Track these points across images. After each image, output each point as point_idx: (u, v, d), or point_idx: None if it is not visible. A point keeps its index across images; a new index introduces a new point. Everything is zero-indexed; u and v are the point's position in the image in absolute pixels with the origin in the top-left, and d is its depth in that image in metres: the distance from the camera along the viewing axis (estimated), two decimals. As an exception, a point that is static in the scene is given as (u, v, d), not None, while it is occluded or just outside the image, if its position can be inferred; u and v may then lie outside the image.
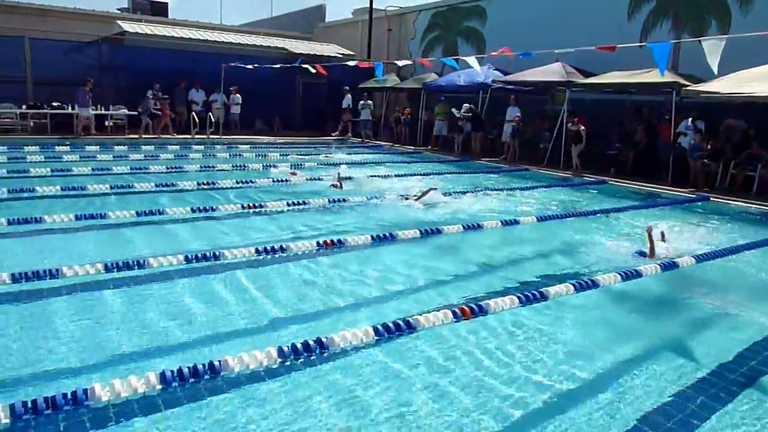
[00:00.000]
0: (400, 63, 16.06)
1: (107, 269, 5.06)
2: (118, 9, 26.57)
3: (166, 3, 27.80)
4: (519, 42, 15.59)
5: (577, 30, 15.38)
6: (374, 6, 23.04)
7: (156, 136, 17.55)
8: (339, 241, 6.37)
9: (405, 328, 4.05)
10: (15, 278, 4.71)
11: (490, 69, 16.82)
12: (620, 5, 15.36)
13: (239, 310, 4.66)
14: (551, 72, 14.90)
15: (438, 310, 4.30)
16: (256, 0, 41.16)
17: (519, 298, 4.61)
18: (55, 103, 17.41)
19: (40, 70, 18.42)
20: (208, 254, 5.60)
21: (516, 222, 7.93)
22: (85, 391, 3.05)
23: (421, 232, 6.98)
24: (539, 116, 16.47)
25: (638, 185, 12.29)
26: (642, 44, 11.14)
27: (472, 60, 12.02)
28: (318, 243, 6.23)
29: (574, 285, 5.01)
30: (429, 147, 18.57)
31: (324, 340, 3.75)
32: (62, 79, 18.52)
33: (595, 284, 5.14)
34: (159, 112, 17.96)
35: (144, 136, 17.35)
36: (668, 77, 11.80)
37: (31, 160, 11.92)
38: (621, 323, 4.93)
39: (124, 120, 18.26)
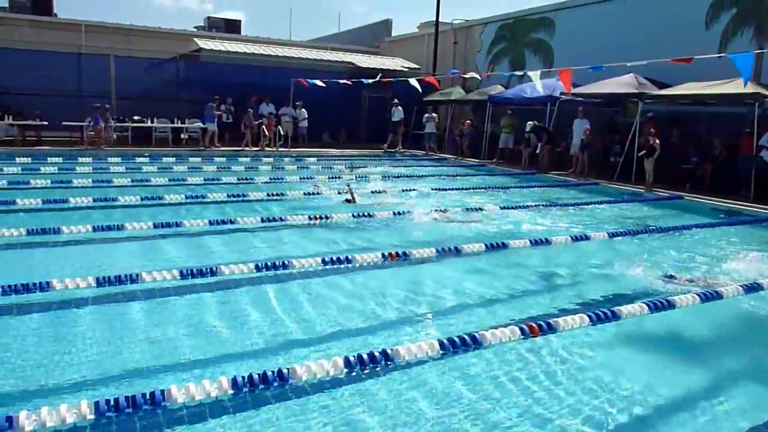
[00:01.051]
0: (466, 75, 15.92)
1: (182, 275, 5.29)
2: (195, 27, 27.92)
3: (239, 20, 29.00)
4: (589, 53, 15.25)
5: (650, 40, 14.87)
6: (440, 19, 23.12)
7: (243, 148, 18.18)
8: (404, 253, 6.38)
9: (471, 343, 4.00)
10: (99, 282, 4.99)
11: (557, 81, 16.47)
12: (697, 15, 14.72)
13: (306, 319, 4.74)
14: (623, 83, 14.44)
15: (505, 326, 4.23)
16: (324, 16, 42.14)
17: (589, 317, 4.47)
18: (136, 117, 18.40)
19: (123, 86, 19.54)
20: (277, 263, 5.75)
21: (586, 237, 7.70)
22: (162, 392, 3.19)
23: (486, 246, 6.90)
24: (610, 129, 15.98)
25: (717, 201, 11.67)
26: (721, 55, 10.65)
27: (534, 76, 11.80)
28: (383, 255, 6.28)
29: (648, 305, 4.80)
30: (494, 160, 18.36)
31: (389, 351, 3.76)
32: (143, 94, 19.60)
33: (670, 305, 4.91)
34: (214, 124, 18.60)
35: (247, 149, 18.15)
36: (750, 88, 11.21)
37: (114, 171, 12.64)
38: (702, 348, 4.69)
39: (198, 133, 19.05)
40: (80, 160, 13.91)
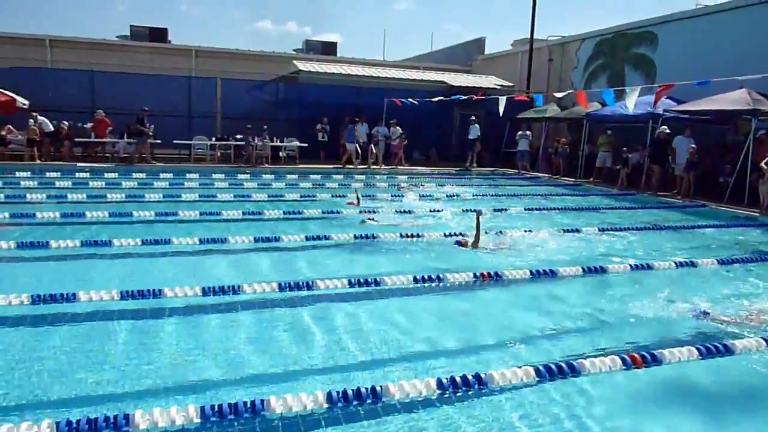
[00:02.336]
0: (558, 95, 15.38)
1: (281, 288, 5.50)
2: (294, 50, 29.18)
3: (336, 43, 29.96)
4: (695, 68, 14.43)
5: (764, 53, 13.83)
6: (535, 36, 22.73)
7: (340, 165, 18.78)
8: (496, 273, 6.28)
9: (568, 371, 3.85)
10: (205, 291, 5.28)
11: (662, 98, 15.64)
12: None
13: (397, 338, 4.77)
14: (734, 99, 13.49)
15: (605, 356, 4.04)
16: (417, 36, 42.71)
17: (699, 350, 4.17)
18: (238, 136, 19.43)
19: (227, 106, 20.75)
20: (369, 279, 5.83)
21: (692, 264, 7.22)
22: (262, 401, 3.31)
23: (583, 269, 6.65)
24: (719, 147, 14.95)
25: None
26: None
27: (632, 94, 11.23)
28: (474, 275, 6.20)
29: (766, 340, 4.42)
30: (591, 179, 17.69)
31: (483, 376, 3.70)
32: (245, 114, 20.70)
33: (793, 340, 4.48)
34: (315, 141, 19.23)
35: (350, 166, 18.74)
36: None
37: (218, 186, 13.41)
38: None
39: (295, 151, 19.81)
40: (188, 176, 14.88)
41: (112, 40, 25.77)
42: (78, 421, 3.04)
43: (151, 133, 17.64)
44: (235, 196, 11.61)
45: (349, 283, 5.74)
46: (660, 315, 5.55)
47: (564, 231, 9.12)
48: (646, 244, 8.74)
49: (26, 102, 17.15)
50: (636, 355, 4.00)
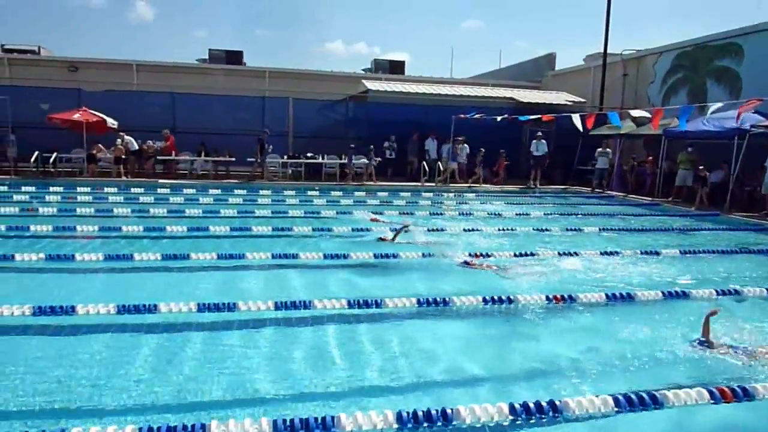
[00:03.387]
0: (634, 113, 14.76)
1: (350, 305, 5.55)
2: (362, 69, 29.70)
3: (403, 61, 30.24)
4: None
5: None
6: (609, 50, 22.09)
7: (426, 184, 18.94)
8: (570, 296, 6.08)
9: (650, 402, 3.66)
10: (277, 306, 5.41)
11: (750, 113, 14.80)
12: None
13: (465, 359, 4.69)
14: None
15: (690, 387, 3.81)
16: (485, 53, 42.51)
17: (795, 384, 3.86)
18: (309, 154, 19.90)
19: (299, 125, 21.34)
20: (438, 299, 5.79)
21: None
22: (333, 418, 3.33)
23: (663, 293, 6.33)
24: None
25: None
26: None
27: (715, 108, 10.65)
28: (548, 297, 6.04)
29: None
30: (670, 199, 16.89)
31: (558, 403, 3.57)
32: (315, 133, 21.21)
33: None
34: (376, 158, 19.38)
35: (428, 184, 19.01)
36: None
37: (289, 203, 13.75)
38: None
39: (362, 168, 20.06)
40: (261, 192, 15.34)
41: (192, 63, 27.17)
42: (159, 428, 3.17)
43: (269, 152, 18.44)
44: (305, 213, 11.85)
45: (418, 302, 5.71)
46: (751, 346, 5.17)
47: (642, 253, 8.74)
48: (732, 268, 8.22)
49: (115, 122, 18.33)
50: (726, 389, 3.75)
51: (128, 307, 5.16)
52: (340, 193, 15.78)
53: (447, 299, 5.82)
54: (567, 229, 10.86)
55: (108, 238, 8.96)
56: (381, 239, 9.24)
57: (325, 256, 7.76)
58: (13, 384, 3.92)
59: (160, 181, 17.12)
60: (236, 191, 15.15)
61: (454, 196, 17.14)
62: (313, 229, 9.87)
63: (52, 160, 17.33)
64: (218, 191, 15.14)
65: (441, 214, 12.97)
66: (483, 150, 20.05)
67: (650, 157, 18.93)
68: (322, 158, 20.04)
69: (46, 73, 23.14)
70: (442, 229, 10.32)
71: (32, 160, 17.11)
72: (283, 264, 7.47)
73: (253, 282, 6.81)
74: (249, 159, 19.20)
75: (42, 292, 6.04)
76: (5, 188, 14.58)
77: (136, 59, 25.17)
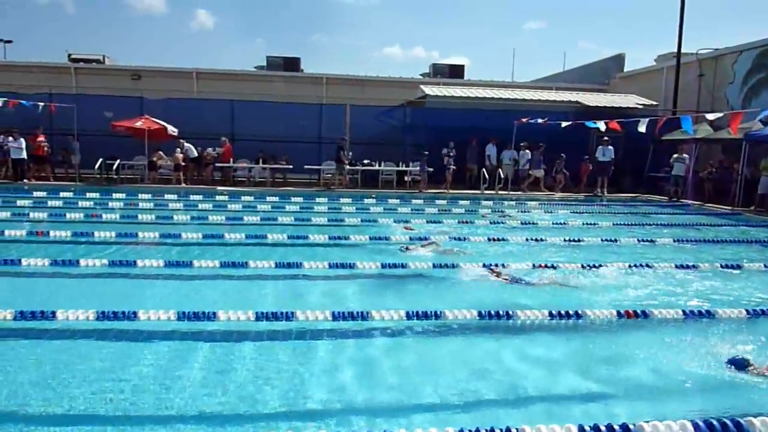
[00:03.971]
0: (710, 116, 14.12)
1: (408, 317, 5.51)
2: (421, 74, 29.76)
3: (463, 65, 30.15)
4: None
5: None
6: (682, 50, 21.25)
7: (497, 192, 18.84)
8: (643, 312, 5.84)
9: (733, 429, 3.44)
10: (335, 316, 5.44)
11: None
12: None
13: (533, 377, 4.57)
14: None
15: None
16: (548, 55, 41.82)
17: None
18: (365, 161, 20.06)
19: (356, 132, 21.54)
20: (500, 313, 5.67)
21: None
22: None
23: (748, 312, 5.98)
24: None
25: None
26: None
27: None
28: (618, 312, 5.82)
29: None
30: (752, 208, 16.03)
31: (632, 427, 3.40)
32: (372, 140, 21.38)
33: None
34: (451, 168, 19.31)
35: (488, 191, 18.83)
36: None
37: (346, 211, 13.88)
38: None
39: (420, 176, 20.04)
40: (317, 200, 15.57)
41: (250, 70, 27.98)
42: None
43: (347, 161, 18.86)
44: (362, 221, 11.91)
45: (479, 314, 5.62)
46: None
47: (722, 266, 8.32)
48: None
49: (175, 130, 19.07)
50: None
51: (188, 314, 5.31)
52: (397, 201, 15.80)
53: (510, 312, 5.70)
54: (639, 240, 10.47)
55: (168, 245, 9.28)
56: (406, 249, 9.13)
57: (383, 266, 7.75)
58: (77, 390, 4.09)
59: (219, 188, 17.66)
60: (293, 199, 15.41)
61: (516, 204, 16.86)
62: (371, 238, 9.90)
63: (115, 167, 18.18)
64: (276, 199, 15.45)
65: (501, 223, 12.77)
66: (564, 156, 19.66)
67: (733, 164, 18.04)
68: (379, 165, 20.16)
69: (110, 81, 24.37)
70: (502, 239, 10.14)
71: (96, 167, 18.02)
72: (340, 274, 7.51)
73: (309, 291, 6.88)
74: (306, 166, 19.56)
75: (105, 297, 6.29)
76: (70, 194, 15.36)
77: (196, 67, 26.15)
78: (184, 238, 9.62)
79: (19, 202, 13.73)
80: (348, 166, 19.26)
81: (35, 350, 4.80)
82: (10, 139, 17.81)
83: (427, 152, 19.56)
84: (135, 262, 7.49)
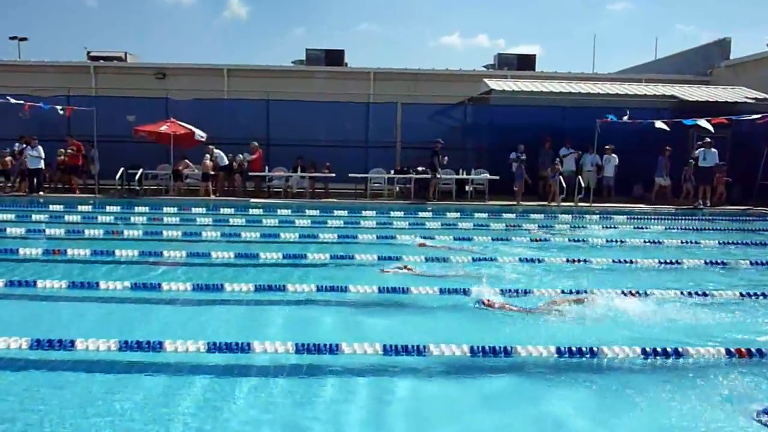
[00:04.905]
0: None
1: (472, 353, 5.47)
2: (484, 66, 29.67)
3: (534, 55, 29.92)
4: None
5: None
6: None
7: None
8: (758, 351, 5.63)
9: None
10: (386, 350, 5.45)
11: None
12: None
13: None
14: None
15: None
16: (637, 42, 41.04)
17: None
18: (419, 168, 20.11)
19: (408, 134, 21.66)
20: (584, 349, 5.58)
21: None
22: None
23: None
24: None
25: None
26: None
27: None
28: (728, 351, 5.63)
29: None
30: None
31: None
32: (428, 143, 21.39)
33: None
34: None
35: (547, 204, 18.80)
36: None
37: (397, 226, 13.94)
38: None
39: (483, 185, 19.95)
40: (363, 213, 15.70)
41: (288, 65, 28.54)
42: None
43: (441, 167, 19.11)
44: (415, 237, 11.94)
45: (558, 351, 5.53)
46: None
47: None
48: None
49: (204, 135, 19.62)
50: None
51: (219, 345, 5.42)
52: (457, 215, 15.77)
53: (594, 349, 5.59)
54: (752, 263, 10.10)
55: (197, 266, 9.54)
56: (383, 270, 9.10)
57: (441, 291, 7.73)
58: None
59: (252, 200, 18.04)
60: (336, 212, 15.61)
61: (599, 218, 16.55)
62: (426, 259, 9.90)
63: (137, 177, 18.81)
64: (316, 212, 15.70)
65: (582, 241, 12.52)
66: (692, 161, 19.27)
67: None
68: (427, 174, 20.15)
69: (132, 81, 25.29)
70: (584, 260, 9.96)
71: (117, 177, 18.69)
72: (393, 300, 7.52)
73: (357, 320, 6.91)
74: (351, 175, 19.75)
75: (128, 324, 6.50)
76: (89, 208, 16.01)
77: (227, 63, 26.86)
78: (214, 257, 9.87)
79: (34, 217, 14.41)
80: (441, 176, 19.28)
81: (53, 383, 4.98)
82: (28, 147, 18.73)
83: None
84: (160, 285, 7.72)
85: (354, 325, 6.78)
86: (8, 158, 19.39)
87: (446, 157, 19.48)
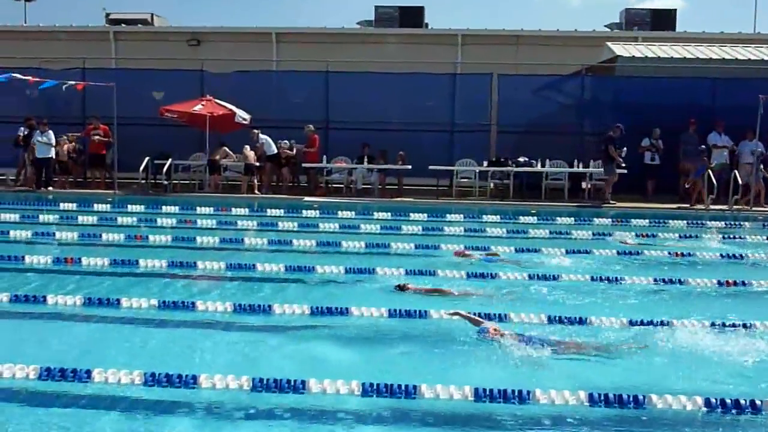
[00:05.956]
0: None
1: (592, 402, 5.39)
2: (606, 26, 29.10)
3: (674, 11, 29.10)
4: None
5: None
6: None
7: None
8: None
9: None
10: (478, 394, 5.43)
11: None
12: None
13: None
14: None
15: None
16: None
17: None
18: (521, 159, 19.88)
19: (506, 114, 21.40)
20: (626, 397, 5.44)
21: None
22: None
23: None
24: None
25: None
26: None
27: None
28: None
29: None
30: None
31: None
32: (529, 127, 21.12)
33: None
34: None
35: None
36: None
37: (491, 234, 13.84)
38: None
39: (603, 181, 19.54)
40: (448, 217, 15.67)
41: (353, 28, 28.70)
42: None
43: (621, 159, 19.04)
44: (515, 250, 11.82)
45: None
46: None
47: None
48: None
49: (247, 116, 19.92)
50: None
51: (268, 383, 5.49)
52: (570, 220, 15.53)
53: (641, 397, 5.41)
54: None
55: (238, 280, 9.73)
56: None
57: (550, 320, 7.64)
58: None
59: (306, 199, 18.29)
60: (413, 216, 15.65)
61: (764, 227, 15.98)
62: (529, 277, 9.81)
63: (165, 169, 19.27)
64: (388, 215, 15.79)
65: (739, 257, 12.11)
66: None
67: None
68: (542, 165, 19.91)
69: (160, 49, 25.89)
70: (741, 283, 9.66)
71: (141, 169, 19.18)
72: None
73: (445, 358, 6.83)
74: (432, 167, 19.64)
75: (154, 352, 6.68)
76: (107, 207, 16.54)
77: (275, 26, 27.21)
78: (259, 270, 10.05)
79: (42, 217, 15.00)
80: (620, 168, 19.08)
81: (64, 422, 5.15)
82: (37, 132, 19.49)
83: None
84: (194, 305, 7.92)
85: (444, 368, 6.73)
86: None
87: (624, 149, 19.04)
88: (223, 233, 13.45)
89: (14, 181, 20.56)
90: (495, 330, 7.02)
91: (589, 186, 19.98)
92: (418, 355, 6.80)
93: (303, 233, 13.59)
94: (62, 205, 16.60)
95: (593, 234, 13.99)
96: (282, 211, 16.04)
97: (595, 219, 15.85)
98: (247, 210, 16.13)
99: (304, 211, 16.35)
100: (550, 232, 14.18)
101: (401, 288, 8.91)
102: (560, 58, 23.75)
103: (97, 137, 20.36)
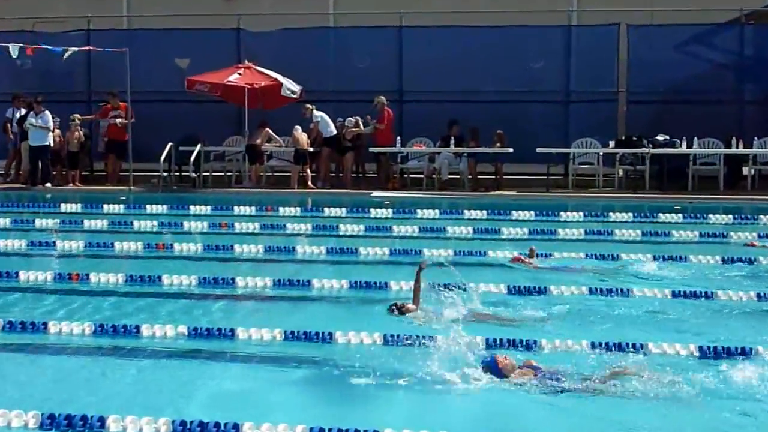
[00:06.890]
0: None
1: None
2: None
3: None
4: None
5: None
6: None
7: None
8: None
9: None
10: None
11: None
12: None
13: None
14: None
15: None
16: None
17: None
18: (660, 137, 19.52)
19: (638, 77, 21.02)
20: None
21: None
22: None
23: None
24: None
25: None
26: None
27: None
28: None
29: None
30: None
31: None
32: (666, 93, 20.71)
33: None
34: None
35: None
36: None
37: (620, 237, 13.66)
38: None
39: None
40: (563, 216, 15.53)
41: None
42: None
43: None
44: (659, 259, 11.68)
45: None
46: None
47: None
48: None
49: (297, 88, 19.92)
50: None
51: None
52: (729, 218, 15.25)
53: None
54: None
55: (289, 300, 9.83)
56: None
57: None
58: None
59: (376, 194, 18.27)
60: (516, 214, 15.62)
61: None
62: (674, 294, 9.69)
63: (193, 158, 19.42)
64: (482, 213, 15.79)
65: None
66: None
67: None
68: (688, 145, 19.55)
69: (184, 5, 26.01)
70: None
71: (162, 158, 19.29)
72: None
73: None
74: (540, 150, 19.40)
75: (185, 395, 6.66)
76: (119, 208, 16.77)
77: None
78: (316, 287, 10.09)
79: (39, 222, 15.21)
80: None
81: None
82: (31, 113, 19.80)
83: None
84: (233, 332, 7.98)
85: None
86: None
87: None
88: (268, 240, 13.52)
89: (3, 176, 20.76)
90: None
91: (753, 172, 19.52)
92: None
93: (372, 239, 13.53)
94: (64, 206, 16.83)
95: (762, 237, 13.65)
96: (344, 210, 16.04)
97: (762, 217, 15.49)
98: (298, 209, 16.19)
99: (372, 210, 16.28)
100: (701, 234, 13.92)
101: None
102: (711, 2, 23.31)
103: (119, 120, 20.54)
